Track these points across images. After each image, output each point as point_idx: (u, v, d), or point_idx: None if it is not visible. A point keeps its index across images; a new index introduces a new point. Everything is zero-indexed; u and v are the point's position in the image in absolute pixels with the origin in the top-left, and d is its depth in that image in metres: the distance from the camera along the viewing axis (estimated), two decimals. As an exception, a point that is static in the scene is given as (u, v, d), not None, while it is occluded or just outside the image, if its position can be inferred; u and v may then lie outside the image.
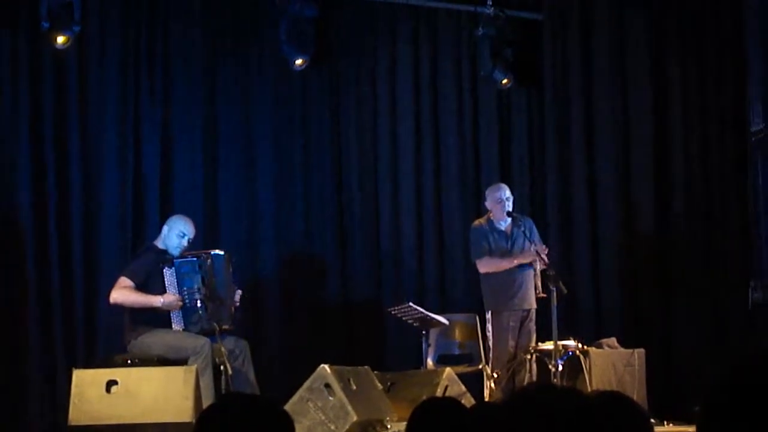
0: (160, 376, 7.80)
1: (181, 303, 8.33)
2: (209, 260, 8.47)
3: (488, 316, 9.31)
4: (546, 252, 9.12)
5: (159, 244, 8.65)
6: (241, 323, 8.89)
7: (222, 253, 8.67)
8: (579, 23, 10.93)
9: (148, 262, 8.50)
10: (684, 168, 10.89)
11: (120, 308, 8.47)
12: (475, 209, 10.52)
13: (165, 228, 8.67)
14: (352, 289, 10.47)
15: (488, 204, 9.51)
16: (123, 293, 8.36)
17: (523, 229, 9.28)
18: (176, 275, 8.36)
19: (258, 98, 10.27)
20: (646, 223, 10.79)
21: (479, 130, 10.95)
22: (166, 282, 8.36)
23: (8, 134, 9.28)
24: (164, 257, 8.46)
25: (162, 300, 8.30)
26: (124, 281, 8.40)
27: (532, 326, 9.31)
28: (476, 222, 9.58)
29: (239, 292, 8.71)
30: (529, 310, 9.31)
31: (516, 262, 9.23)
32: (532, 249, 9.13)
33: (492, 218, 9.43)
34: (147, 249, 8.73)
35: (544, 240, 9.63)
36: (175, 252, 8.53)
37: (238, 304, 8.68)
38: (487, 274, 9.34)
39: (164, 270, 8.38)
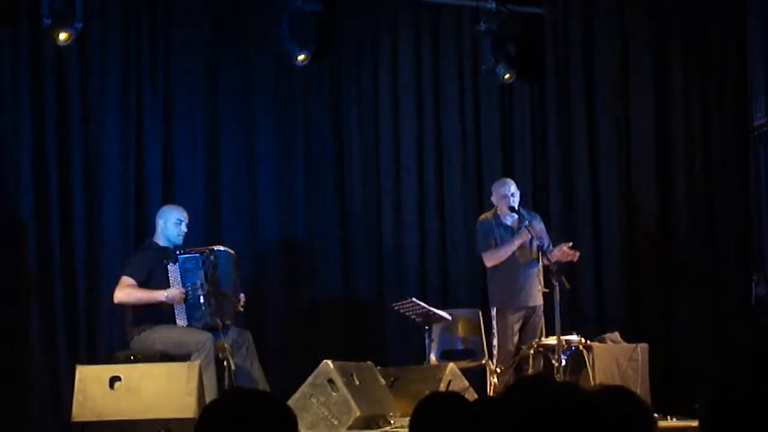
0: (163, 372, 7.80)
1: (184, 296, 8.34)
2: (212, 256, 8.48)
3: (493, 312, 9.32)
4: (570, 253, 9.16)
5: (158, 240, 8.65)
6: (245, 320, 8.90)
7: (225, 249, 8.68)
8: (581, 17, 10.91)
9: (149, 259, 8.52)
10: (686, 162, 10.88)
11: (123, 305, 8.48)
12: (477, 204, 10.51)
13: (159, 222, 8.68)
14: (355, 284, 10.46)
15: (494, 199, 9.51)
16: (126, 292, 8.38)
17: (525, 223, 9.26)
18: (180, 271, 8.38)
19: (259, 94, 10.26)
20: (648, 218, 10.78)
21: (481, 125, 10.93)
22: (170, 278, 8.38)
23: (9, 131, 9.27)
24: (167, 253, 8.47)
25: (166, 294, 8.32)
26: (126, 280, 8.41)
27: (538, 321, 9.29)
28: (482, 216, 9.58)
29: (243, 296, 8.71)
30: (534, 307, 9.31)
31: (517, 242, 9.23)
32: (528, 235, 9.14)
33: (498, 213, 9.44)
34: (146, 246, 8.74)
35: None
36: (178, 240, 8.55)
37: (241, 308, 8.68)
38: (493, 271, 9.35)
39: (168, 266, 8.39)
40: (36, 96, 9.35)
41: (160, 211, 8.78)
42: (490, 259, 9.34)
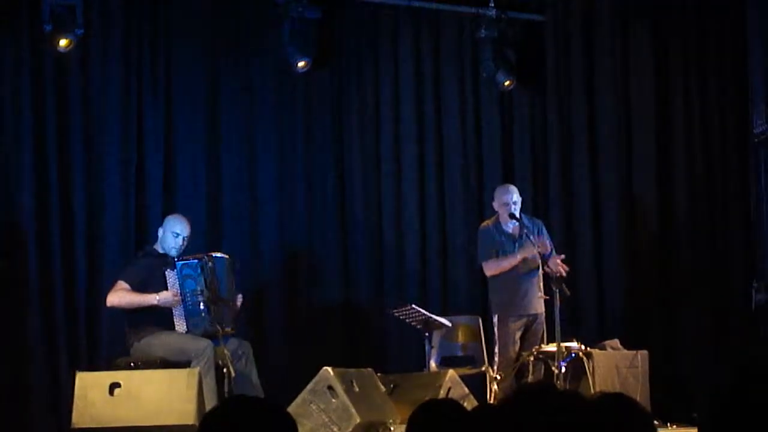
0: (163, 379, 7.80)
1: (178, 299, 8.32)
2: (210, 262, 8.46)
3: (495, 320, 9.30)
4: (562, 266, 9.11)
5: (158, 247, 8.65)
6: (244, 326, 8.90)
7: (224, 255, 8.67)
8: (581, 24, 10.92)
9: (145, 266, 8.50)
10: (687, 169, 10.88)
11: (120, 311, 8.48)
12: (477, 211, 10.52)
13: (160, 230, 8.67)
14: (355, 290, 10.46)
15: (495, 205, 9.47)
16: (118, 295, 8.36)
17: (526, 231, 9.25)
18: (178, 277, 8.37)
19: (260, 101, 10.26)
20: (648, 225, 10.78)
21: (482, 132, 10.94)
22: (168, 284, 8.36)
23: (10, 137, 9.28)
24: (165, 260, 8.46)
25: (158, 297, 8.30)
26: (120, 284, 8.40)
27: (539, 329, 9.20)
28: (483, 224, 9.54)
29: (240, 296, 8.71)
30: (535, 315, 9.28)
31: (519, 257, 9.21)
32: (535, 250, 9.09)
33: (500, 220, 9.41)
34: (145, 253, 8.74)
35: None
36: (173, 252, 8.53)
37: (239, 306, 8.68)
38: (494, 278, 9.33)
39: (166, 272, 8.38)
40: (37, 102, 9.36)
41: (165, 219, 8.77)
42: (491, 269, 9.31)
